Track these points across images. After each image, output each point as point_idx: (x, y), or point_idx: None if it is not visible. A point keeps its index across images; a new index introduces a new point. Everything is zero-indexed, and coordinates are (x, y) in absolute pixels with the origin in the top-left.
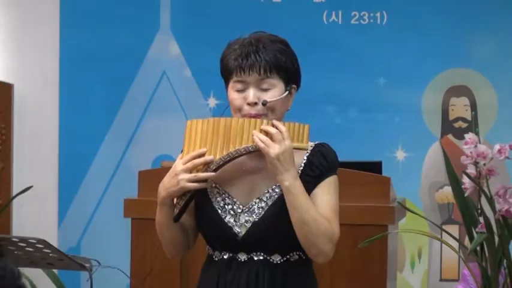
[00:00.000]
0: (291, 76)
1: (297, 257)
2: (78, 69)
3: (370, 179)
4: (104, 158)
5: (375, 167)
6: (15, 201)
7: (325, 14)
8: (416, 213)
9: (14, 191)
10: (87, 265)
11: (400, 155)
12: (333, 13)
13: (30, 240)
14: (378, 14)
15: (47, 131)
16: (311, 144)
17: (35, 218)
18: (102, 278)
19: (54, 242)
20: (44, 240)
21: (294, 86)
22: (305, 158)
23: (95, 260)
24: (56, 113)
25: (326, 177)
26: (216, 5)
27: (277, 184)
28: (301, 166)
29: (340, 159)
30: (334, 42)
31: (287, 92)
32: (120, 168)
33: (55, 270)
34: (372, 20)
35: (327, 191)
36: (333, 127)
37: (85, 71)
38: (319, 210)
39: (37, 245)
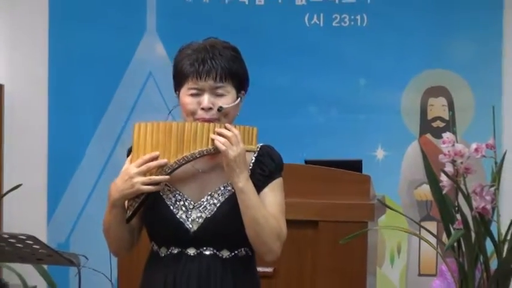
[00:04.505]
0: (242, 83)
1: (244, 253)
2: (66, 70)
3: (351, 177)
4: (92, 157)
5: (355, 166)
6: (5, 199)
7: (306, 16)
8: (395, 210)
9: (4, 189)
10: (74, 260)
11: (380, 153)
12: (315, 16)
13: (20, 237)
14: (358, 17)
15: (36, 130)
16: (257, 145)
17: (24, 214)
18: (91, 273)
19: (43, 238)
20: (34, 237)
21: (243, 92)
22: (253, 158)
23: (83, 256)
24: (45, 112)
25: (273, 179)
26: (201, 8)
27: (227, 182)
28: (250, 165)
29: (322, 158)
30: (316, 44)
31: (239, 99)
32: (108, 167)
33: (44, 266)
34: (352, 23)
35: (274, 193)
36: (315, 127)
37: (73, 71)
38: (268, 210)
39: (27, 241)
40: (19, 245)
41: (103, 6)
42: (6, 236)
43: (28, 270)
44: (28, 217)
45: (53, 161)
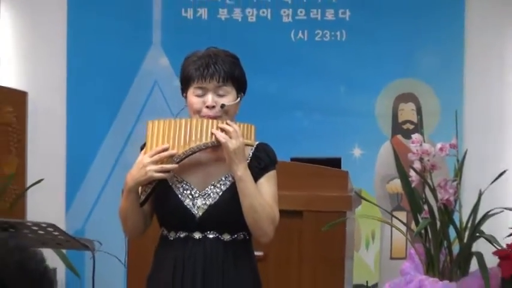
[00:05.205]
0: (241, 85)
1: (242, 236)
2: (82, 78)
3: (331, 173)
4: (104, 155)
5: (335, 163)
6: (29, 192)
7: (292, 32)
8: (370, 202)
9: (28, 183)
10: (89, 245)
11: (357, 152)
12: (300, 32)
13: (42, 224)
14: (338, 33)
15: (56, 131)
16: (255, 142)
17: (46, 205)
18: (105, 256)
19: (62, 226)
20: (54, 224)
21: (242, 93)
22: (250, 153)
23: (97, 241)
24: (63, 116)
25: (269, 171)
26: (201, 25)
27: (229, 173)
28: (248, 160)
29: (306, 156)
30: (301, 56)
31: (239, 98)
32: (118, 164)
33: (63, 250)
34: (333, 38)
35: (269, 183)
36: (300, 129)
37: (88, 80)
38: (263, 198)
39: (48, 229)
40: (41, 232)
41: (115, 22)
42: (29, 224)
43: (48, 254)
44: (49, 207)
45: (70, 158)
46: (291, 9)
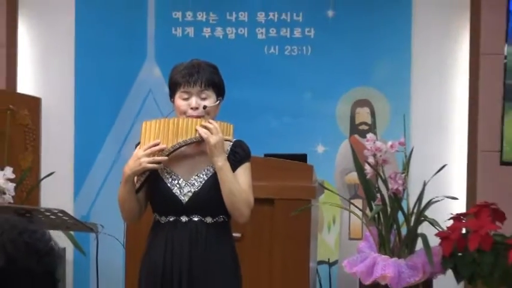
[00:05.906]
0: (220, 90)
1: (222, 219)
2: (88, 87)
3: (298, 167)
4: (106, 152)
5: (301, 158)
6: (42, 183)
7: (265, 47)
8: (331, 191)
9: (42, 175)
10: (94, 228)
11: (320, 149)
12: (272, 47)
13: (53, 210)
14: (304, 48)
15: (65, 132)
16: (233, 139)
17: (56, 194)
18: (107, 237)
19: (70, 212)
20: (63, 210)
21: (220, 98)
22: (229, 148)
23: (100, 225)
24: (71, 118)
25: (243, 163)
26: (188, 41)
27: (210, 165)
28: (226, 153)
29: (275, 152)
30: (273, 68)
31: (219, 101)
32: (118, 159)
33: (72, 232)
34: (300, 52)
35: (245, 173)
36: (272, 129)
37: (93, 88)
38: (240, 185)
39: (58, 214)
40: (52, 217)
41: (115, 39)
42: (43, 210)
43: (59, 236)
44: (59, 196)
45: (78, 155)
46: (264, 28)
